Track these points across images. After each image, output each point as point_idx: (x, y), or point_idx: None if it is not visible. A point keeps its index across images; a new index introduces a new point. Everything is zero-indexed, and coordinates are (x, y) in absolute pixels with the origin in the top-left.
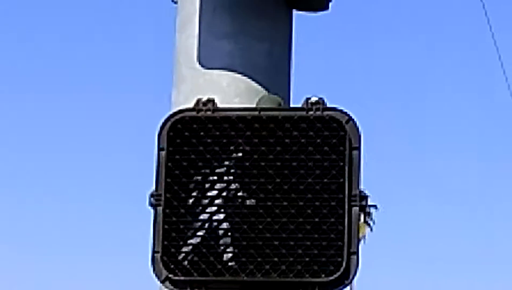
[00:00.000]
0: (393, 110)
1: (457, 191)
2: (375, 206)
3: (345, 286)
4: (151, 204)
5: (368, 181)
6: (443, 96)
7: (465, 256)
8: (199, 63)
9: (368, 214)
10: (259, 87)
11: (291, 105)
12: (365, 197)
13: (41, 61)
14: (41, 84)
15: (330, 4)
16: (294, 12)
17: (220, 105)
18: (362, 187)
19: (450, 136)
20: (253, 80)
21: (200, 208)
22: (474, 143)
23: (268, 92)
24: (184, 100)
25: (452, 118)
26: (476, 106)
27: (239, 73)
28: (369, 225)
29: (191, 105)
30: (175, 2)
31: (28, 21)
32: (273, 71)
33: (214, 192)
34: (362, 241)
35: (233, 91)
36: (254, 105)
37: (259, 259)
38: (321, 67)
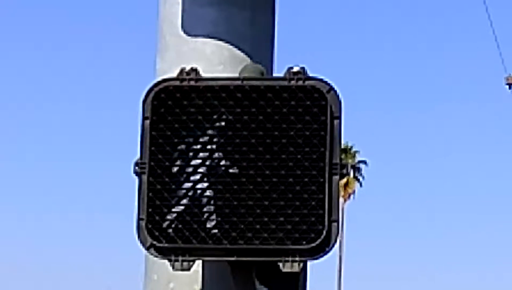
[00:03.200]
0: (385, 70)
1: (447, 147)
2: (364, 162)
3: (326, 253)
4: (135, 172)
5: (359, 136)
6: (437, 52)
7: (454, 211)
8: (183, 31)
9: (358, 170)
10: (243, 55)
11: (274, 74)
12: (345, 166)
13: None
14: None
15: None
16: None
17: (204, 72)
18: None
19: (447, 93)
20: (237, 48)
21: (184, 176)
22: (469, 99)
23: (252, 60)
24: (168, 68)
25: (449, 76)
26: (469, 64)
27: (223, 40)
28: (358, 180)
29: (175, 73)
30: None
31: None
32: (257, 39)
33: (198, 161)
34: (351, 196)
35: (217, 59)
36: (237, 73)
37: (241, 227)
38: (305, 35)
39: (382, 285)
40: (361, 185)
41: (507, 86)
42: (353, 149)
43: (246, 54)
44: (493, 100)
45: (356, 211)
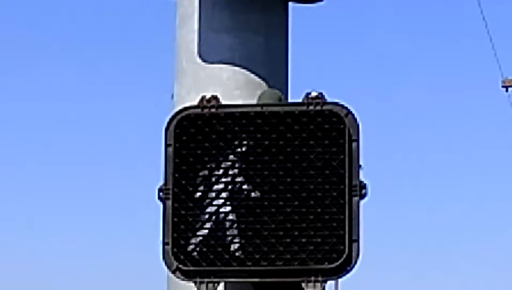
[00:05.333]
0: (381, 75)
1: (444, 150)
2: (360, 166)
3: (348, 272)
4: (160, 198)
5: None
6: (433, 54)
7: (455, 217)
8: (200, 58)
9: None
10: (258, 79)
11: (289, 97)
12: (364, 187)
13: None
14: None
15: None
16: (291, 4)
17: (221, 97)
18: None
19: (443, 95)
20: (252, 72)
21: (207, 201)
22: (466, 102)
23: (267, 84)
24: (186, 94)
25: (444, 78)
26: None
27: (239, 66)
28: None
29: (193, 99)
30: None
31: None
32: (271, 64)
33: (220, 186)
34: None
35: (234, 84)
36: (254, 97)
37: (264, 249)
38: (319, 59)
39: None
40: None
41: (504, 89)
42: None
43: (261, 78)
44: (490, 103)
45: None
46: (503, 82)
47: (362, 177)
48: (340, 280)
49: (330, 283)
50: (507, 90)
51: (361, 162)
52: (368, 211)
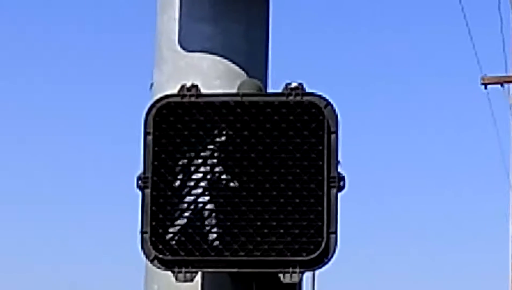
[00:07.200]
0: (358, 72)
1: (422, 147)
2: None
3: (325, 264)
4: (138, 187)
5: None
6: (412, 51)
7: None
8: (180, 46)
9: None
10: (238, 69)
11: (269, 88)
12: (342, 179)
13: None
14: None
15: None
16: None
17: (201, 87)
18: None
19: (421, 92)
20: (232, 62)
21: (186, 190)
22: (444, 99)
23: (247, 74)
24: (166, 81)
25: (423, 75)
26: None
27: (219, 55)
28: None
29: (173, 87)
30: None
31: None
32: (251, 53)
33: (199, 175)
34: None
35: (214, 74)
36: (234, 86)
37: (242, 239)
38: (299, 50)
39: None
40: None
41: (483, 86)
42: None
43: (241, 68)
44: (469, 99)
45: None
46: (482, 79)
47: (340, 169)
48: (316, 271)
49: (306, 275)
50: (486, 88)
51: (339, 155)
52: (345, 203)
